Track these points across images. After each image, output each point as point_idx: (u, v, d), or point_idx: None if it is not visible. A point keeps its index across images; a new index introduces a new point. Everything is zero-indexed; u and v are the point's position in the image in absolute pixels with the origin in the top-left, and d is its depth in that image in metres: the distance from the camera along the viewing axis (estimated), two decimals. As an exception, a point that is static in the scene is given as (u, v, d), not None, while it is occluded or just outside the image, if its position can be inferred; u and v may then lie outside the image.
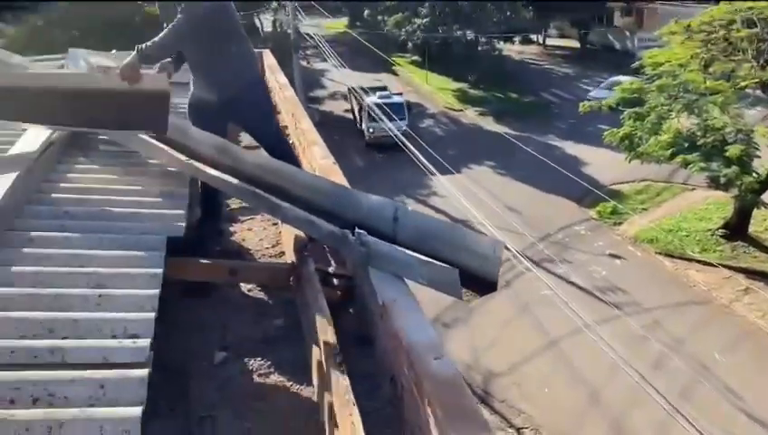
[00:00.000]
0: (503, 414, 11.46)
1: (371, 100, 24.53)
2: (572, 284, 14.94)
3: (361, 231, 2.49)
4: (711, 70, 14.37)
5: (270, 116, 4.09)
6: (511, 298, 14.64)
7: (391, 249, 2.40)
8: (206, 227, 3.58)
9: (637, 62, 16.57)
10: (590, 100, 28.69)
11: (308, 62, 36.32)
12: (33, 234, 2.54)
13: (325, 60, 27.18)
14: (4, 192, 2.54)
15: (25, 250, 2.41)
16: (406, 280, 2.39)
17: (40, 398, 1.68)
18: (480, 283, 2.37)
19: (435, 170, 16.68)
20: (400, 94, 27.91)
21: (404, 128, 22.54)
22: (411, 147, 17.21)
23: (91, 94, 3.39)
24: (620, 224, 18.89)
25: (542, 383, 12.14)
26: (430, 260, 2.31)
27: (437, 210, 19.67)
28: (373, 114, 23.53)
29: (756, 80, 13.73)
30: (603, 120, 18.87)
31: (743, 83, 13.72)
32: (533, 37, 43.06)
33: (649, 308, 14.45)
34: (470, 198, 17.40)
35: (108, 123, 3.42)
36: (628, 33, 39.69)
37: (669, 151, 14.49)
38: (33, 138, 3.34)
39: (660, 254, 17.12)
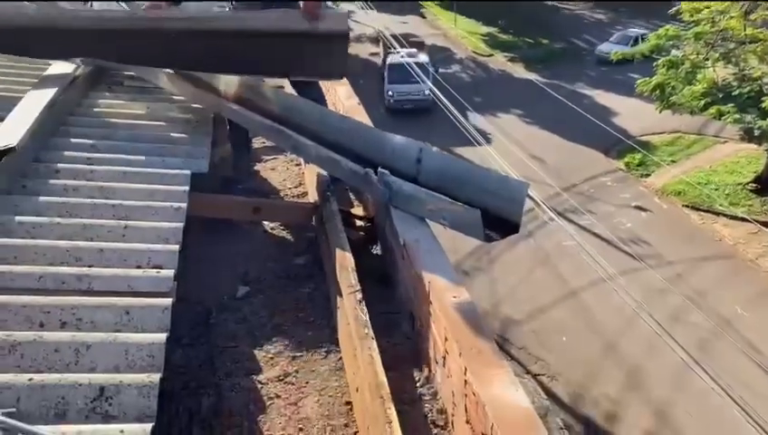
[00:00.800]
0: (520, 360, 11.59)
1: (393, 59, 22.41)
2: (596, 235, 14.83)
3: (384, 171, 2.47)
4: (752, 17, 13.78)
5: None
6: (532, 248, 14.61)
7: (414, 189, 2.38)
8: (235, 164, 3.60)
9: (674, 8, 15.93)
10: (598, 54, 27.70)
11: (335, 4, 35.60)
12: (60, 165, 2.56)
13: (352, 1, 26.54)
14: (30, 124, 2.56)
15: (52, 181, 2.44)
16: (428, 221, 2.39)
17: (68, 322, 1.73)
18: (503, 224, 2.35)
19: (477, 139, 16.33)
20: (423, 46, 25.72)
21: (427, 92, 20.77)
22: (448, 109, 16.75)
23: (251, 35, 3.18)
24: (648, 176, 18.57)
25: (559, 332, 12.22)
26: (452, 201, 2.30)
27: (459, 157, 19.52)
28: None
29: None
30: (634, 69, 18.38)
31: (786, 32, 13.18)
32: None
33: (672, 261, 14.33)
34: (495, 145, 17.20)
35: (273, 69, 3.26)
36: (664, -21, 38.09)
37: (703, 102, 14.09)
38: (58, 71, 3.34)
39: (687, 207, 16.86)
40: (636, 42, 27.03)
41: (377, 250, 2.92)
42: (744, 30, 13.55)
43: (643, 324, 11.36)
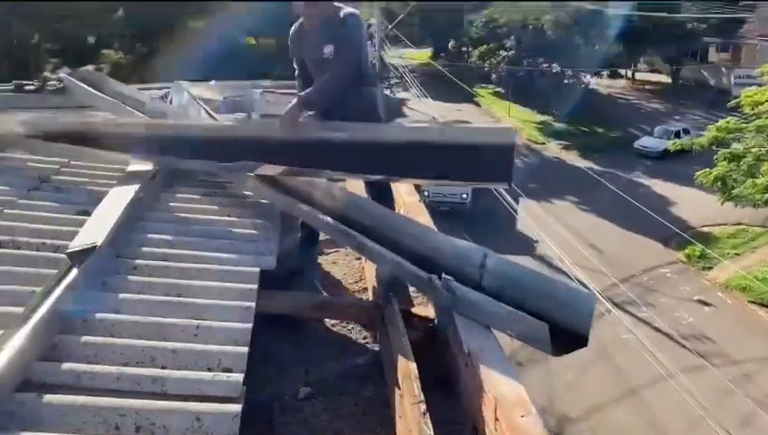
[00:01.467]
0: (577, 462, 11.06)
1: None
2: (656, 329, 14.30)
3: (448, 277, 2.50)
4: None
5: None
6: (589, 341, 14.14)
7: (479, 297, 2.39)
8: (302, 259, 3.69)
9: (733, 101, 15.85)
10: (638, 148, 27.72)
11: (391, 92, 36.88)
12: (137, 262, 2.69)
13: (407, 89, 27.47)
14: (113, 222, 2.71)
15: (130, 278, 2.55)
16: (493, 329, 2.38)
17: (142, 426, 1.77)
18: (571, 337, 2.32)
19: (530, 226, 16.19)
20: None
21: (465, 195, 20.27)
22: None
23: (419, 146, 3.20)
24: (710, 269, 17.98)
25: (618, 432, 11.63)
26: (519, 313, 2.29)
27: (513, 243, 19.37)
28: None
29: None
30: (694, 159, 18.14)
31: None
32: (622, 71, 42.03)
33: (739, 360, 13.62)
34: (549, 232, 17.05)
35: (440, 174, 3.27)
36: (723, 70, 38.12)
37: (767, 195, 13.73)
38: (140, 167, 3.56)
39: (754, 303, 16.15)
40: (677, 136, 26.30)
41: (436, 352, 2.90)
42: (810, 125, 13.36)
43: (709, 428, 10.70)
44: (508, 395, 1.98)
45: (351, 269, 3.87)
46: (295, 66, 3.82)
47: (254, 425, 2.41)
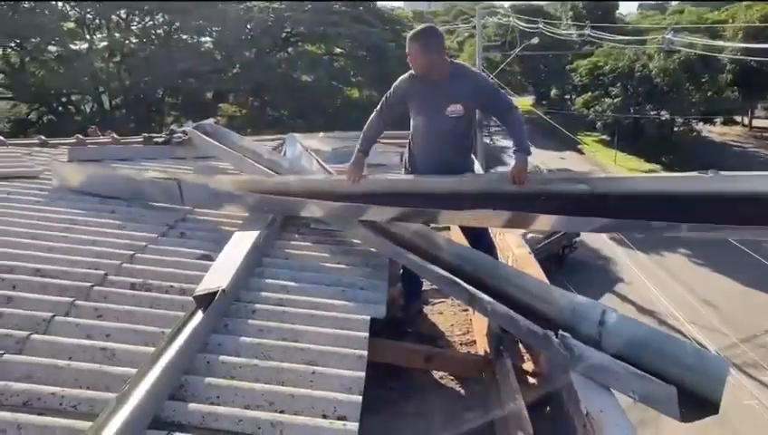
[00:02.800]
0: None
1: None
2: (784, 396, 13.03)
3: (566, 334, 2.42)
4: None
5: None
6: (715, 414, 13.09)
7: (600, 357, 2.29)
8: (407, 308, 3.70)
9: None
10: None
11: (491, 140, 36.84)
12: (256, 306, 2.80)
13: (509, 138, 27.36)
14: (237, 266, 2.85)
15: (250, 321, 2.66)
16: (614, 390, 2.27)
17: (264, 471, 1.81)
18: (698, 403, 2.17)
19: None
20: None
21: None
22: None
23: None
24: (843, 331, 16.30)
25: (742, 509, 10.58)
26: (644, 374, 2.17)
27: (621, 297, 18.48)
28: None
29: None
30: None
31: None
32: (738, 118, 39.85)
33: None
34: (660, 286, 16.16)
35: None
36: None
37: None
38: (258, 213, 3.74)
39: None
40: None
41: (550, 411, 2.79)
42: None
43: None
44: (632, 463, 1.86)
45: (458, 320, 3.83)
46: (382, 109, 3.70)
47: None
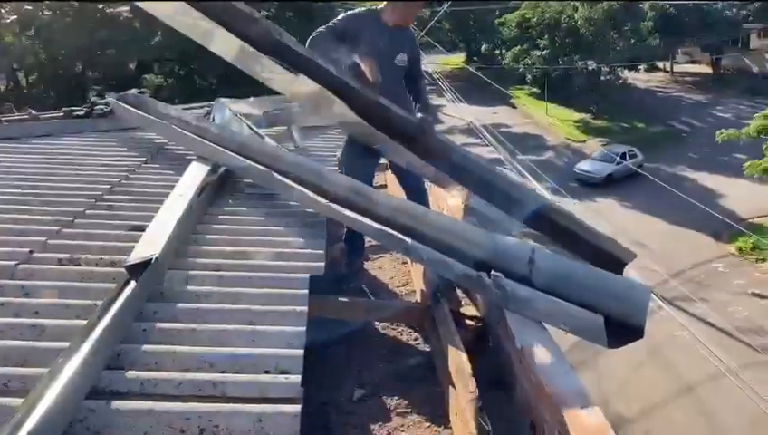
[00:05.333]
0: (635, 464, 10.82)
1: None
2: (710, 324, 13.91)
3: (498, 274, 2.49)
4: None
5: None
6: (641, 339, 13.83)
7: (530, 293, 2.38)
8: (349, 265, 3.74)
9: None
10: (577, 173, 24.79)
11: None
12: (192, 272, 2.77)
13: (442, 95, 27.46)
14: (168, 235, 2.80)
15: (187, 288, 2.63)
16: (546, 324, 2.37)
17: (206, 428, 1.82)
18: (624, 330, 2.29)
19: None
20: None
21: None
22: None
23: None
24: (764, 260, 17.42)
25: (677, 433, 11.33)
26: (572, 306, 2.27)
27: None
28: None
29: None
30: (741, 150, 17.65)
31: None
32: (660, 64, 41.20)
33: (802, 354, 13.14)
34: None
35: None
36: (767, 56, 37.03)
37: (822, 182, 13.26)
38: (191, 180, 3.66)
39: (813, 294, 15.59)
40: (624, 157, 25.13)
41: (488, 351, 2.89)
42: None
43: (773, 425, 10.34)
44: (566, 389, 1.97)
45: (398, 273, 3.89)
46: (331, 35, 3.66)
47: (310, 428, 2.45)
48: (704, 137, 25.86)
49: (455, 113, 29.70)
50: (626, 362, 13.11)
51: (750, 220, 20.30)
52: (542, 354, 2.18)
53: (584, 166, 25.54)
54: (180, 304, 2.48)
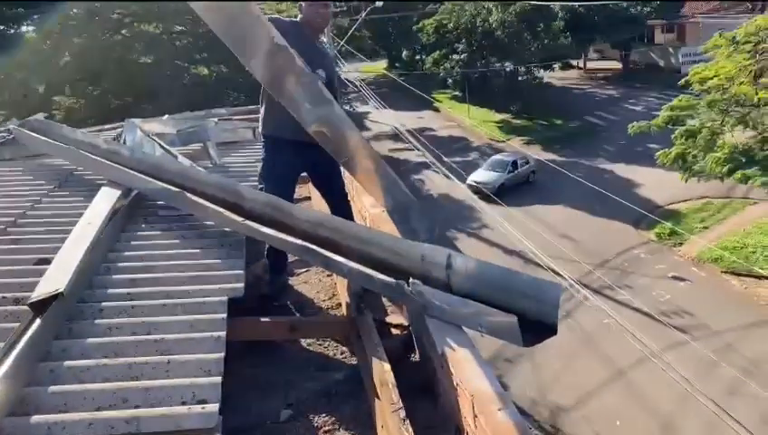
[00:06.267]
0: (575, 451, 11.12)
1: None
2: (635, 309, 14.49)
3: (416, 281, 2.51)
4: (762, 81, 13.96)
5: (340, 172, 4.08)
6: (573, 329, 14.29)
7: (447, 298, 2.41)
8: (272, 282, 3.67)
9: (683, 79, 16.23)
10: (471, 185, 22.84)
11: (351, 107, 36.99)
12: (103, 304, 2.66)
13: (367, 102, 27.60)
14: (75, 267, 2.68)
15: (97, 321, 2.52)
16: (465, 328, 2.39)
17: (119, 469, 1.74)
18: (539, 327, 2.34)
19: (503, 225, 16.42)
20: None
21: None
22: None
23: None
24: (681, 244, 18.33)
25: (612, 416, 11.73)
26: (486, 308, 2.31)
27: (490, 243, 19.53)
28: None
29: (811, 87, 13.27)
30: (653, 140, 18.50)
31: (797, 91, 13.27)
32: (574, 62, 42.84)
33: (719, 331, 13.88)
34: (521, 228, 17.20)
35: None
36: (671, 50, 39.16)
37: (726, 167, 14.05)
38: (99, 206, 3.52)
39: (726, 273, 16.51)
40: (515, 166, 24.66)
41: (416, 358, 2.91)
42: (757, 94, 13.69)
43: (698, 401, 10.86)
44: (483, 391, 1.99)
45: (324, 287, 3.86)
46: None
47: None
48: (618, 130, 26.94)
49: (380, 120, 29.91)
50: (560, 353, 13.48)
51: (666, 207, 21.35)
52: (461, 358, 2.20)
53: (477, 177, 24.38)
54: (90, 339, 2.38)
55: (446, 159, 22.06)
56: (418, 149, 22.26)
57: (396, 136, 26.99)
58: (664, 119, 15.98)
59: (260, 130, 3.87)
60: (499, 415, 1.88)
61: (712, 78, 14.77)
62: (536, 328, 2.35)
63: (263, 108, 3.79)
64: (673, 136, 15.57)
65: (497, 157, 25.92)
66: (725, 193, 20.65)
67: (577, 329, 14.27)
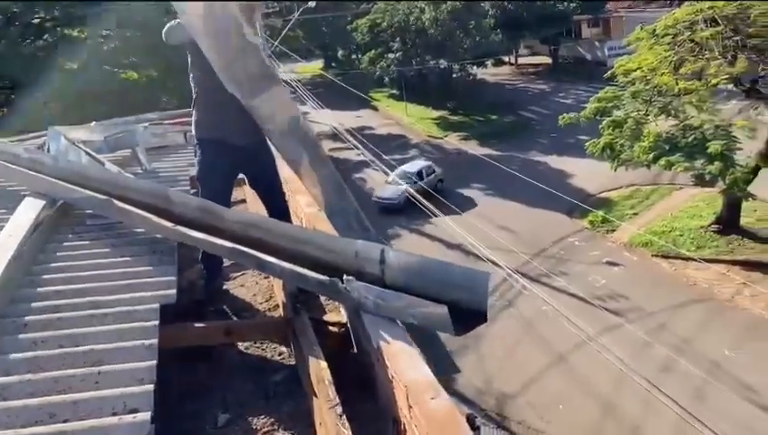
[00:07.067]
0: (521, 437, 11.39)
1: None
2: (572, 295, 14.95)
3: (350, 278, 2.53)
4: (682, 71, 14.62)
5: (277, 173, 4.08)
6: (514, 318, 14.65)
7: (381, 293, 2.43)
8: (208, 287, 3.62)
9: (609, 72, 16.83)
10: (378, 201, 22.77)
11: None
12: (27, 318, 2.56)
13: (304, 103, 27.43)
14: (-5, 281, 2.58)
15: (21, 336, 2.43)
16: (400, 321, 2.43)
17: (46, 486, 1.69)
18: (471, 315, 2.40)
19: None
20: None
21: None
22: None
23: None
24: (614, 231, 19.00)
25: (555, 401, 12.08)
26: (418, 300, 2.35)
27: (432, 237, 19.75)
28: None
29: (726, 76, 13.96)
30: (583, 131, 19.10)
31: (714, 80, 13.94)
32: (505, 58, 43.72)
33: (652, 312, 14.48)
34: (460, 222, 17.48)
35: None
36: (597, 44, 40.48)
37: (652, 155, 14.65)
38: (23, 217, 3.39)
39: (657, 256, 17.21)
40: (420, 176, 23.40)
41: (354, 354, 2.92)
42: (677, 84, 14.33)
43: (634, 381, 11.30)
44: (417, 381, 2.02)
45: (261, 289, 3.84)
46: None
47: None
48: (550, 123, 27.65)
49: (319, 120, 29.76)
50: (503, 342, 13.80)
51: (598, 196, 22.10)
52: (395, 351, 2.23)
53: (381, 193, 23.64)
54: (14, 355, 2.30)
55: (385, 157, 22.21)
56: (358, 148, 22.30)
57: (335, 136, 26.91)
58: (592, 110, 16.52)
59: (194, 133, 3.80)
60: (432, 404, 1.92)
61: (635, 70, 15.38)
62: (468, 316, 2.41)
63: (196, 111, 3.73)
64: (601, 127, 16.12)
65: (401, 169, 24.11)
66: (653, 180, 21.55)
67: (518, 317, 14.62)
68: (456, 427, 1.83)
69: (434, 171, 24.81)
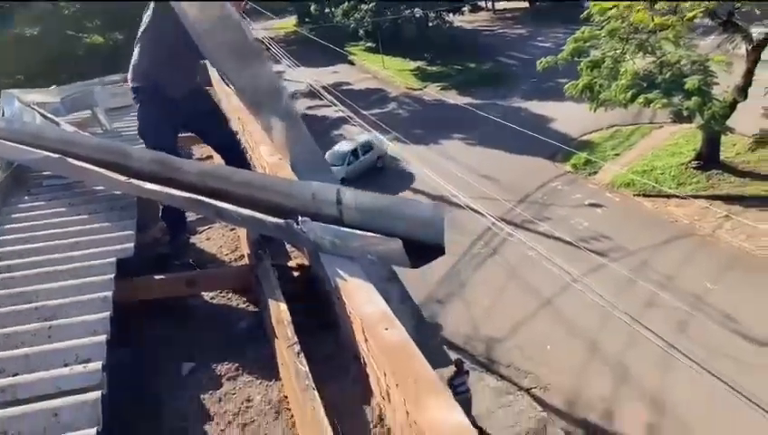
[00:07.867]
0: (510, 378, 11.57)
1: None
2: (557, 239, 15.05)
3: (305, 219, 2.48)
4: (657, 6, 14.45)
5: (221, 120, 4.05)
6: (499, 264, 14.75)
7: (336, 232, 2.39)
8: (173, 242, 3.57)
9: (585, 12, 16.60)
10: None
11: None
12: (-22, 279, 2.51)
13: (279, 62, 26.91)
14: (-58, 243, 2.51)
15: (-29, 296, 2.38)
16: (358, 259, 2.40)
17: (-7, 438, 1.67)
18: (429, 249, 2.37)
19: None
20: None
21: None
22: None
23: None
24: (596, 173, 19.03)
25: (542, 342, 12.27)
26: (372, 236, 2.31)
27: (414, 190, 19.72)
28: None
29: (702, 9, 13.81)
30: (563, 75, 18.93)
31: (690, 14, 13.80)
32: (482, 4, 43.02)
33: (635, 250, 14.63)
34: (443, 172, 17.42)
35: None
36: (573, -16, 39.82)
37: (630, 93, 14.59)
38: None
39: (638, 195, 17.30)
40: (355, 155, 21.73)
41: (318, 296, 2.91)
42: (653, 20, 14.17)
43: (621, 318, 11.49)
44: (372, 314, 2.01)
45: (227, 241, 3.79)
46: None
47: (142, 414, 2.34)
48: (529, 68, 27.36)
49: (295, 78, 29.29)
50: (490, 288, 13.94)
51: (579, 138, 22.07)
52: (352, 287, 2.21)
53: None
54: (-36, 315, 2.25)
55: (364, 113, 21.97)
56: (336, 105, 22.01)
57: (312, 93, 26.54)
58: (569, 52, 16.35)
59: (129, 79, 3.68)
60: (385, 334, 1.90)
61: (611, 8, 15.18)
62: (427, 250, 2.38)
63: (136, 55, 3.61)
64: (579, 68, 15.98)
65: (334, 149, 22.18)
66: (633, 120, 21.53)
67: (504, 264, 14.73)
68: (409, 356, 1.82)
69: (371, 148, 22.30)
